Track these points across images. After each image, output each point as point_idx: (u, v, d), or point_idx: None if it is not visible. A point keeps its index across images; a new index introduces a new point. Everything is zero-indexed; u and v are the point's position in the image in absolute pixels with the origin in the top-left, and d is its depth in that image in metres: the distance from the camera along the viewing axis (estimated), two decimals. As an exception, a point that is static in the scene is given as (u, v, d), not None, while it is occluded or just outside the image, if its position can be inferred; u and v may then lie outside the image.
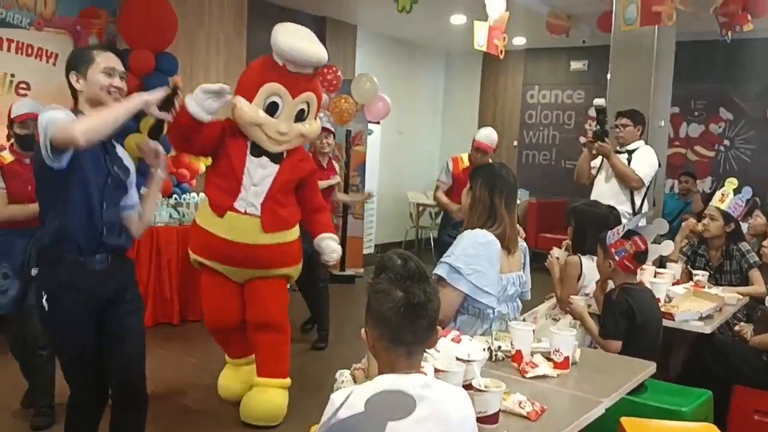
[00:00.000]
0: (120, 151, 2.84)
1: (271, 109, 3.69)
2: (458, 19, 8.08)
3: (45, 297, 2.62)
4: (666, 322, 3.46)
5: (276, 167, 3.78)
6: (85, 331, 2.67)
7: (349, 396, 1.64)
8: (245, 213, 3.72)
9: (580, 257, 3.62)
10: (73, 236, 2.61)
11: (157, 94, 2.66)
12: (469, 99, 10.61)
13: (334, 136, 5.62)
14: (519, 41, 9.49)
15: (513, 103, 10.39)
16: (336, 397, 1.64)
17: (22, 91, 5.56)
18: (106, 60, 2.70)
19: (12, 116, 3.76)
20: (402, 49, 9.79)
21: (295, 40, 3.70)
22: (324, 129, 5.25)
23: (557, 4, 7.53)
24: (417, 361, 1.74)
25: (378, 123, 8.29)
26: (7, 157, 3.77)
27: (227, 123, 3.78)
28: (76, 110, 2.68)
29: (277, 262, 3.87)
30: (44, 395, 3.73)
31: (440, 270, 2.75)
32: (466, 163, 5.69)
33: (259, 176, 3.75)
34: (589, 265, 3.61)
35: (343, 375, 2.77)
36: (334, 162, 5.68)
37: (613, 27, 5.92)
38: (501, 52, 5.80)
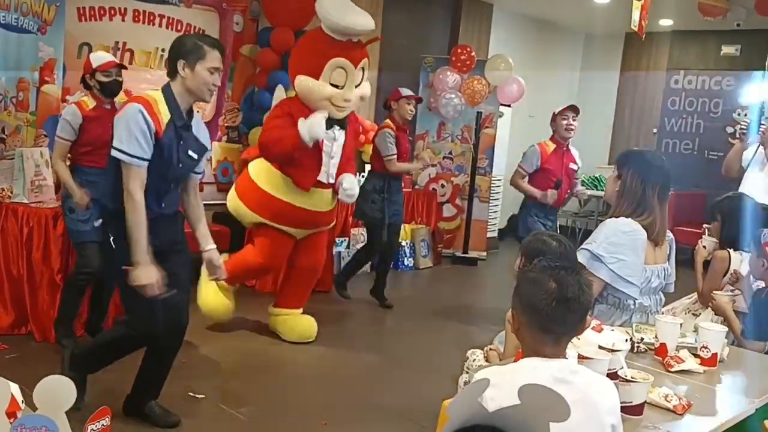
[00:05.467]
0: (197, 128, 3.11)
1: (337, 80, 4.17)
2: (601, -1, 7.79)
3: (112, 238, 2.98)
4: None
5: (343, 134, 4.32)
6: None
7: (494, 377, 1.63)
8: (327, 185, 4.32)
9: (729, 252, 3.43)
10: None
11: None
12: (606, 83, 10.21)
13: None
14: (665, 23, 9.03)
15: (655, 88, 9.91)
16: (480, 377, 1.64)
17: (172, 65, 5.86)
18: (214, 60, 2.94)
19: (94, 66, 4.01)
20: (538, 29, 9.56)
21: (347, 12, 4.17)
22: (412, 96, 5.63)
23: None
24: (563, 348, 1.72)
25: (509, 105, 8.16)
26: (89, 102, 4.03)
27: (291, 107, 4.23)
28: (168, 87, 2.96)
29: (330, 221, 4.67)
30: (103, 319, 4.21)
31: (580, 256, 2.67)
32: (552, 146, 5.39)
33: (335, 148, 4.29)
34: (739, 261, 3.42)
35: (475, 354, 2.78)
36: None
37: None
38: (644, 32, 5.60)
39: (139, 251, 2.86)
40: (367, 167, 7.08)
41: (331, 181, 4.37)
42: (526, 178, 5.39)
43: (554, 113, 5.40)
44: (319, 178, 4.28)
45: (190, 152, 3.06)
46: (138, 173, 2.88)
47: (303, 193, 4.27)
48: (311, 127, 4.06)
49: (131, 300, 3.06)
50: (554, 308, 1.62)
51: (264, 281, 5.81)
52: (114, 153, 2.88)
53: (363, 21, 4.20)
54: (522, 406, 1.15)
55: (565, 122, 5.32)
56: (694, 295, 3.61)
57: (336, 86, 4.18)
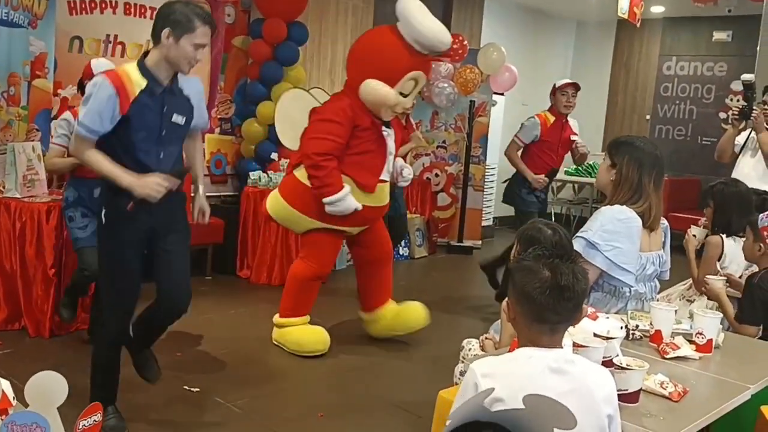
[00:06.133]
0: (188, 85, 2.99)
1: (406, 90, 4.10)
2: (593, -13, 7.77)
3: (104, 212, 2.90)
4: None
5: (392, 131, 4.24)
6: (135, 251, 2.93)
7: (490, 368, 1.62)
8: (386, 180, 4.28)
9: (722, 238, 3.44)
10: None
11: (155, 187, 2.80)
12: (599, 71, 10.20)
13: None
14: (657, 9, 9.02)
15: (647, 75, 9.91)
16: (477, 369, 1.63)
17: (163, 58, 5.83)
18: (202, 36, 2.82)
19: (95, 73, 3.81)
20: (530, 18, 9.54)
21: (434, 26, 4.08)
22: None
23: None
24: (559, 338, 1.71)
25: (502, 94, 8.14)
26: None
27: (355, 112, 4.04)
28: (143, 61, 2.86)
29: (386, 211, 4.52)
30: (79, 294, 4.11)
31: (576, 244, 2.67)
32: (552, 119, 5.38)
33: (391, 145, 4.22)
34: (732, 246, 3.43)
35: (471, 343, 2.79)
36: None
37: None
38: (638, 20, 5.60)
39: (120, 176, 2.79)
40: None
41: (387, 178, 4.30)
42: (521, 150, 5.42)
43: (554, 86, 5.41)
44: (381, 177, 4.21)
45: (175, 117, 2.93)
46: (85, 144, 2.82)
47: (368, 193, 4.16)
48: (346, 208, 4.03)
49: (109, 286, 3.05)
50: (548, 297, 1.61)
51: (258, 272, 5.81)
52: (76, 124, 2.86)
53: (448, 37, 4.19)
54: (526, 411, 1.15)
55: (564, 98, 5.33)
56: (689, 282, 3.62)
57: (402, 94, 4.09)
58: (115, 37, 5.48)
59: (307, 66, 6.67)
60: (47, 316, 4.21)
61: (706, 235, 3.58)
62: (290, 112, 4.44)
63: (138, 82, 2.82)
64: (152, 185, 2.79)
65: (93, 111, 2.76)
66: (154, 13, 4.55)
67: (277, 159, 6.16)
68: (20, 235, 4.21)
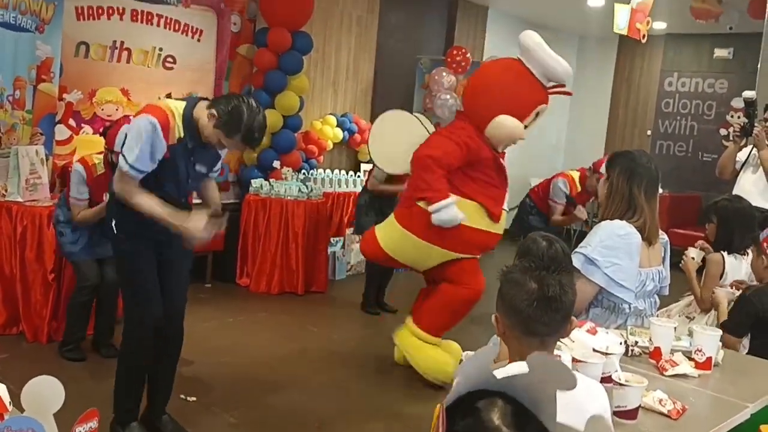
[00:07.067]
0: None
1: (529, 122, 4.00)
2: (596, 2, 7.78)
3: (114, 222, 2.98)
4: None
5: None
6: (149, 256, 2.99)
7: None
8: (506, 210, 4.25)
9: (723, 255, 3.43)
10: None
11: (199, 225, 2.87)
12: (600, 85, 10.23)
13: None
14: (659, 26, 9.04)
15: (648, 91, 9.93)
16: (490, 344, 1.62)
17: (168, 65, 5.84)
18: (232, 145, 2.92)
19: (115, 148, 3.76)
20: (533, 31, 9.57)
21: (561, 60, 3.97)
22: None
23: (705, -13, 7.10)
24: (550, 351, 1.70)
25: (505, 107, 8.13)
26: (99, 168, 4.00)
27: (470, 140, 3.92)
28: (193, 106, 2.91)
29: None
30: (110, 334, 4.14)
31: (575, 260, 2.64)
32: (578, 188, 5.40)
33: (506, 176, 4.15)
34: (732, 263, 3.42)
35: (468, 356, 2.77)
36: None
37: (767, 13, 5.54)
38: (643, 36, 5.60)
39: (169, 218, 2.85)
40: (363, 166, 7.09)
41: (508, 207, 4.28)
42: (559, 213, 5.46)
43: (599, 169, 5.23)
44: (504, 207, 4.17)
45: (198, 167, 3.04)
46: (132, 184, 2.88)
47: (493, 221, 4.07)
48: (453, 217, 3.86)
49: (126, 291, 3.10)
50: (536, 309, 1.60)
51: (258, 281, 5.80)
52: (120, 160, 2.87)
53: (570, 70, 4.06)
54: (530, 374, 1.14)
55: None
56: (690, 298, 3.60)
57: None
58: (122, 43, 5.50)
59: (311, 75, 6.70)
60: (45, 321, 4.21)
61: (703, 258, 3.57)
62: (387, 133, 4.30)
63: (179, 130, 2.89)
64: (199, 229, 2.87)
65: (145, 154, 2.82)
66: (161, 20, 4.56)
67: (279, 167, 6.17)
68: (21, 239, 4.22)
